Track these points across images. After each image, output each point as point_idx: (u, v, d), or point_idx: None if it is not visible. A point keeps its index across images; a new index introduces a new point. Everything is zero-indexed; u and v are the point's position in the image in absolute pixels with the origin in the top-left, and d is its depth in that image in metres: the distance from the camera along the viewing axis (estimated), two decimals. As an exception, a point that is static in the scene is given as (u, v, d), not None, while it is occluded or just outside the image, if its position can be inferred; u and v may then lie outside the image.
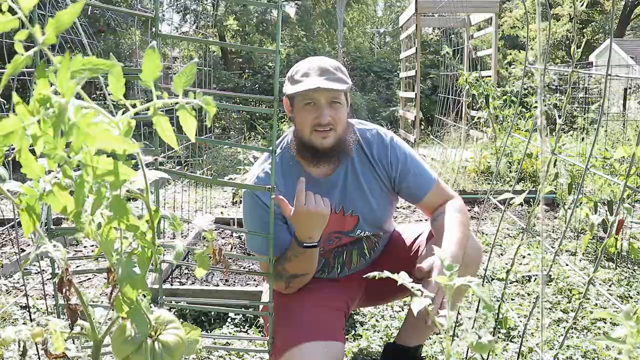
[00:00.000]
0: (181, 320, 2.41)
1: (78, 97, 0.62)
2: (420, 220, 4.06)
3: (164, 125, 0.67)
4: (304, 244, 1.52)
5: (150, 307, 0.85)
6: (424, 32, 12.88)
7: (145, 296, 0.80)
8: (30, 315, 2.09)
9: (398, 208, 4.39)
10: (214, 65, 10.72)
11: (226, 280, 2.73)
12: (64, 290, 0.82)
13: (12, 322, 2.27)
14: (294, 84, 1.56)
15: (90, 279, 2.86)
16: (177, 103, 0.68)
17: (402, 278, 0.94)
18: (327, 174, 1.66)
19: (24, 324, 2.25)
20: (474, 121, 6.39)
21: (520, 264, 3.05)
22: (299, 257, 1.55)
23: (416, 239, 1.83)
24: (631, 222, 3.46)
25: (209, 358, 2.04)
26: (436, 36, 13.57)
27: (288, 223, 1.65)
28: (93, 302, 0.95)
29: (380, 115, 11.58)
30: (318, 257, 1.75)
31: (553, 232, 3.74)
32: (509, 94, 5.70)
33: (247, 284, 2.69)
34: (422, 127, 8.67)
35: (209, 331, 2.27)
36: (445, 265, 0.90)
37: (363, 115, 10.73)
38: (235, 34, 16.50)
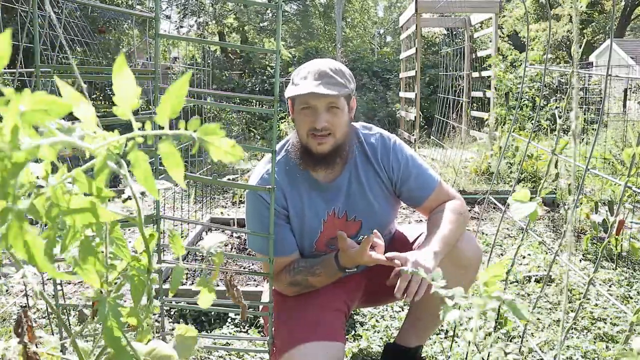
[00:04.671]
0: (181, 320, 2.41)
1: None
2: (421, 220, 4.06)
3: (142, 167, 0.54)
4: (347, 270, 1.56)
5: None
6: (425, 32, 12.87)
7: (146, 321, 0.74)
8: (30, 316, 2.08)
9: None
10: (214, 66, 10.72)
11: (226, 281, 2.73)
12: (22, 336, 0.71)
13: (12, 322, 2.27)
14: (293, 86, 1.56)
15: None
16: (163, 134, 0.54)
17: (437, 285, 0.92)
18: (331, 179, 1.66)
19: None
20: (485, 123, 6.37)
21: (520, 264, 3.05)
22: (330, 276, 1.59)
23: (416, 239, 1.83)
24: (631, 222, 3.46)
25: (209, 358, 2.04)
26: (438, 36, 13.55)
27: (290, 223, 1.65)
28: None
29: (379, 116, 11.58)
30: None
31: (553, 232, 3.74)
32: (518, 94, 5.69)
33: (247, 284, 2.69)
34: (423, 127, 8.67)
35: (209, 331, 2.27)
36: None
37: (364, 115, 10.73)
38: (233, 30, 16.48)
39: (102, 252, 0.69)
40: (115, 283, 0.72)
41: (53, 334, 2.04)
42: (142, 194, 0.64)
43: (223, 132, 0.54)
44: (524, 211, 0.91)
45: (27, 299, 2.13)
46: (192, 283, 2.70)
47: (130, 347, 0.70)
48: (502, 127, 5.57)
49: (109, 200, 0.62)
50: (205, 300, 0.86)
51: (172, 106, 0.53)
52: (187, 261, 2.98)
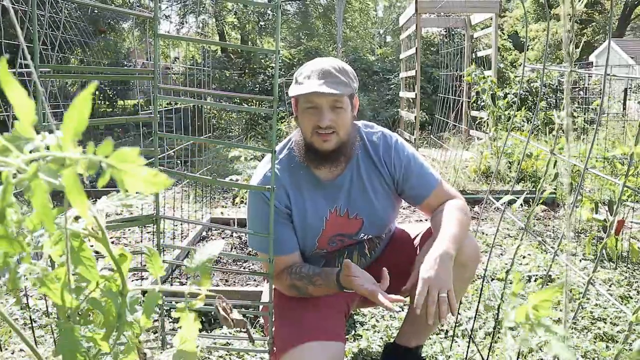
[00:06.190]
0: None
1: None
2: (421, 220, 4.06)
3: (40, 199, 0.45)
4: (345, 289, 1.55)
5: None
6: (425, 32, 12.88)
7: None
8: (30, 316, 2.09)
9: (398, 208, 4.39)
10: (214, 66, 10.72)
11: (226, 281, 2.73)
12: None
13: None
14: (297, 85, 1.57)
15: (90, 279, 2.86)
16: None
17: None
18: (333, 177, 1.67)
19: (24, 324, 2.25)
20: (477, 122, 6.39)
21: (520, 264, 3.05)
22: (329, 290, 1.58)
23: (416, 238, 1.84)
24: (631, 222, 3.46)
25: (209, 358, 2.04)
26: (438, 35, 13.56)
27: (293, 221, 1.66)
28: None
29: (381, 116, 11.59)
30: (321, 258, 1.76)
31: (553, 232, 3.74)
32: (512, 95, 5.70)
33: (247, 284, 2.69)
34: (423, 127, 8.67)
35: (209, 331, 2.27)
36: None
37: (365, 116, 10.73)
38: (234, 27, 16.48)
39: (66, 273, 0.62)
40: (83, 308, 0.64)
41: (53, 334, 2.04)
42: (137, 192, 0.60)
43: (142, 160, 0.45)
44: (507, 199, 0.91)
45: (27, 299, 2.13)
46: (192, 283, 2.70)
47: None
48: (495, 127, 5.58)
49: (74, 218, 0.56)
50: (189, 331, 0.75)
51: (76, 125, 0.45)
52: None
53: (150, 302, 0.71)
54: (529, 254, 3.20)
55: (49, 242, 0.58)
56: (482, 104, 5.84)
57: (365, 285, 1.46)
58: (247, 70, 13.18)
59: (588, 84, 9.73)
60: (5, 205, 0.47)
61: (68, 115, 0.45)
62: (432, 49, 13.17)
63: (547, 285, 2.71)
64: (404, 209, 4.46)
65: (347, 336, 2.19)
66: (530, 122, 5.58)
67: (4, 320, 0.73)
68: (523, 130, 5.75)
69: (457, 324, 2.17)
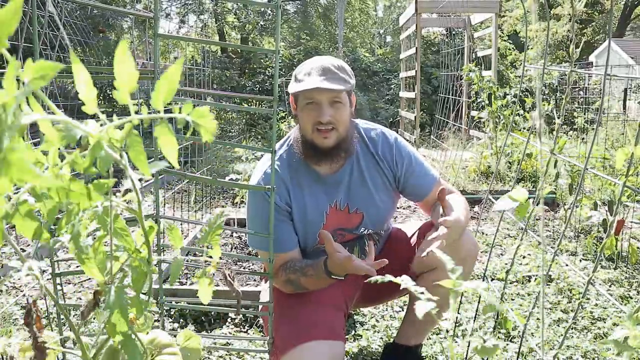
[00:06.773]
0: (181, 319, 2.41)
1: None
2: (421, 220, 4.05)
3: (136, 149, 0.57)
4: (333, 276, 1.54)
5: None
6: (425, 32, 12.88)
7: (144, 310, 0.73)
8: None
9: (398, 208, 4.40)
10: (214, 65, 10.72)
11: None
12: (31, 325, 0.73)
13: (13, 322, 2.27)
14: (297, 82, 1.60)
15: (90, 279, 2.86)
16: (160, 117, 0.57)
17: (405, 282, 0.90)
18: (333, 172, 1.68)
19: (24, 324, 2.25)
20: (474, 122, 6.40)
21: (520, 264, 3.05)
22: (320, 279, 1.57)
23: (412, 237, 1.85)
24: (631, 222, 3.46)
25: (209, 358, 2.04)
26: (439, 35, 13.56)
27: (293, 217, 1.66)
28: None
29: (381, 116, 11.59)
30: (321, 254, 1.76)
31: (553, 232, 3.74)
32: (510, 94, 5.70)
33: (247, 284, 2.70)
34: (423, 127, 8.66)
35: (209, 331, 2.27)
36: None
37: (365, 115, 10.74)
38: (234, 27, 16.48)
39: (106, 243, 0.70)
40: (118, 274, 0.72)
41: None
42: (140, 180, 0.65)
43: (212, 115, 0.57)
44: (506, 205, 0.91)
45: (27, 299, 2.12)
46: (192, 283, 2.70)
47: (135, 336, 0.70)
48: (494, 127, 5.58)
49: (108, 193, 0.64)
50: (205, 294, 0.85)
51: (167, 91, 0.55)
52: (187, 261, 2.98)
53: (175, 269, 0.80)
54: (529, 254, 3.20)
55: (88, 218, 0.66)
56: (482, 103, 5.84)
57: (343, 253, 1.47)
58: (247, 70, 13.18)
59: (588, 84, 9.73)
60: (92, 159, 0.56)
61: (160, 82, 0.55)
62: (432, 49, 13.17)
63: (546, 285, 2.71)
64: (403, 208, 4.46)
65: (347, 336, 2.19)
66: (528, 120, 5.58)
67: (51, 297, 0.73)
68: (520, 129, 5.74)
69: (457, 324, 2.17)
